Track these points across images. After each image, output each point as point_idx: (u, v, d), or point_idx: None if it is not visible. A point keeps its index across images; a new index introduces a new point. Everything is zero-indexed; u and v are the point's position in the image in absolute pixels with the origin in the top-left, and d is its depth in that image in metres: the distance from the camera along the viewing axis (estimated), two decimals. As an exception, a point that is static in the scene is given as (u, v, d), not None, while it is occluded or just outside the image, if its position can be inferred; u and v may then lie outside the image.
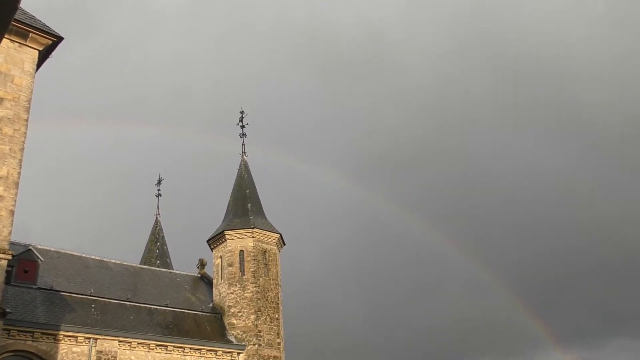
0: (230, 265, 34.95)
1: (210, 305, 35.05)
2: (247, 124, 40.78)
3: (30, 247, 30.02)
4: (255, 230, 35.63)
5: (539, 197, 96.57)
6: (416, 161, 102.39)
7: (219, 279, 35.45)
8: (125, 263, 36.29)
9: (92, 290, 30.67)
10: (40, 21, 18.96)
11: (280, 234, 36.91)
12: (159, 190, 49.32)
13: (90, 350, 27.67)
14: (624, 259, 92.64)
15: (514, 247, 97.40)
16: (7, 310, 20.52)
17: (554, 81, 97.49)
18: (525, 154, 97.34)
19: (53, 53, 19.41)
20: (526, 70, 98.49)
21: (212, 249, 37.01)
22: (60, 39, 19.12)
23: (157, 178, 49.76)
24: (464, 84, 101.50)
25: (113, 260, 35.62)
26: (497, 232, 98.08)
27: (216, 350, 31.50)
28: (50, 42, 18.93)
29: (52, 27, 18.95)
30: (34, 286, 28.59)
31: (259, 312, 33.53)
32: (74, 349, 27.38)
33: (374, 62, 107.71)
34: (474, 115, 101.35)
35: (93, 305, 29.86)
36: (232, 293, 34.18)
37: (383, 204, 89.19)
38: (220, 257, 35.93)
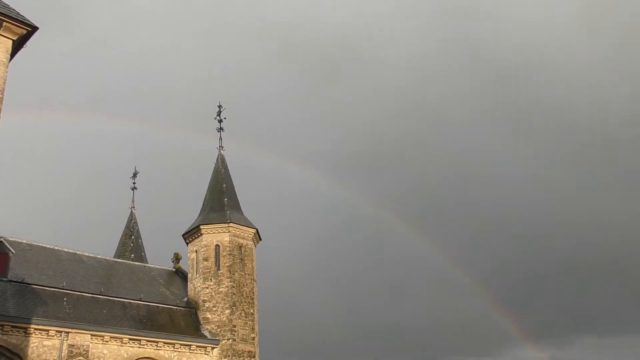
0: (205, 259, 34.83)
1: (185, 299, 34.90)
2: (225, 118, 40.69)
3: (2, 239, 29.53)
4: (231, 224, 35.55)
5: (515, 198, 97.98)
6: (395, 161, 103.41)
7: (194, 273, 35.30)
8: (98, 256, 35.91)
9: (64, 284, 30.30)
10: (14, 10, 18.63)
11: (257, 229, 36.89)
12: (134, 183, 48.80)
13: (61, 344, 27.36)
14: (593, 260, 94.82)
15: (488, 247, 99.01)
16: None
17: (533, 84, 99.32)
18: (504, 155, 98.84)
19: (27, 43, 19.09)
20: (507, 73, 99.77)
21: (187, 243, 36.84)
22: (35, 28, 18.81)
23: (133, 171, 49.27)
24: (445, 85, 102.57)
25: (86, 254, 35.20)
26: (471, 232, 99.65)
27: (190, 345, 31.39)
28: (24, 31, 18.61)
29: (28, 18, 18.63)
30: (4, 279, 28.15)
31: (233, 307, 33.48)
32: (45, 343, 27.05)
33: (355, 61, 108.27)
34: (454, 116, 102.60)
35: (65, 299, 29.51)
36: (207, 287, 34.08)
37: (360, 203, 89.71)
38: (196, 251, 35.78)
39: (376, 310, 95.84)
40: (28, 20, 18.65)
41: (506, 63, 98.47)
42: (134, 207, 48.61)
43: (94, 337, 28.49)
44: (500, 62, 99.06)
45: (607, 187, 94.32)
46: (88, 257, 35.05)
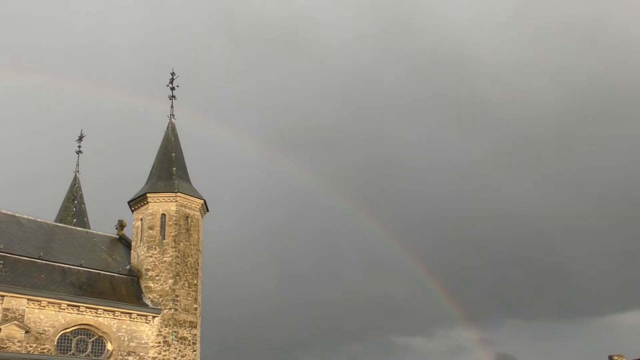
0: (150, 228, 34.34)
1: (128, 267, 34.38)
2: (177, 86, 39.91)
3: None
4: (179, 194, 35.12)
5: (450, 188, 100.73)
6: (330, 141, 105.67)
7: (138, 241, 34.79)
8: (38, 220, 34.87)
9: (1, 246, 29.34)
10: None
11: (204, 200, 36.58)
12: (79, 146, 47.40)
13: (-5, 308, 26.58)
14: (521, 249, 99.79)
15: (424, 231, 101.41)
16: None
17: (465, 81, 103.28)
18: (437, 147, 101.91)
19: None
20: (439, 68, 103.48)
21: (132, 211, 36.18)
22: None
23: (79, 134, 47.80)
24: (379, 73, 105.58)
25: (25, 216, 34.14)
26: (408, 215, 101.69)
27: (131, 313, 31.04)
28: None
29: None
30: (-64, 238, 27.09)
31: (177, 277, 33.25)
32: (-22, 306, 26.23)
33: (296, 41, 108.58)
34: (387, 104, 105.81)
35: (1, 262, 28.62)
36: (150, 256, 33.66)
37: (300, 180, 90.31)
38: (141, 219, 35.21)
39: (310, 287, 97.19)
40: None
41: (440, 59, 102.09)
42: (78, 171, 47.34)
43: (30, 302, 27.81)
44: (434, 57, 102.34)
45: (536, 186, 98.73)
46: (27, 219, 33.99)
